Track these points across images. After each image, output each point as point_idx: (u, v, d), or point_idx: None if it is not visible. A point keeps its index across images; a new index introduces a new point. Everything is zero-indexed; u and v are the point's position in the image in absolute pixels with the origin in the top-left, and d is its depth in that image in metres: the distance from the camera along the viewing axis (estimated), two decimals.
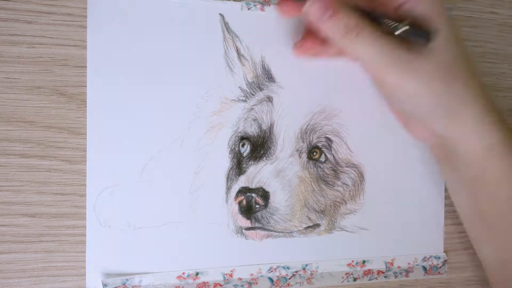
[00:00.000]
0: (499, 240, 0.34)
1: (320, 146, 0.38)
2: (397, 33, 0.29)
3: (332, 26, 0.30)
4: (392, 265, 0.40)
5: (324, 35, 0.32)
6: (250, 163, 0.37)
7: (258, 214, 0.37)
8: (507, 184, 0.31)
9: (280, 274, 0.38)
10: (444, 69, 0.29)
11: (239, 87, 0.37)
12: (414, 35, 0.29)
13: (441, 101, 0.30)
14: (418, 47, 0.29)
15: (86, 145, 0.34)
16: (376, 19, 0.30)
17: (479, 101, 0.31)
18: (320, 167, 0.38)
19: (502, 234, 0.33)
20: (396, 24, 0.29)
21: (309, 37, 0.35)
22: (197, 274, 0.36)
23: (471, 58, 0.30)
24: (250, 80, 0.37)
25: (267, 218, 0.37)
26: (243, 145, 0.37)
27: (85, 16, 0.34)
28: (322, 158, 0.38)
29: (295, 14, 0.33)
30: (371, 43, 0.29)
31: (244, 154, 0.37)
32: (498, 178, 0.31)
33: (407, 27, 0.29)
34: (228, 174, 0.37)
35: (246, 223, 0.37)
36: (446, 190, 0.42)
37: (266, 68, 0.38)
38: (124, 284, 0.34)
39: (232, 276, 0.37)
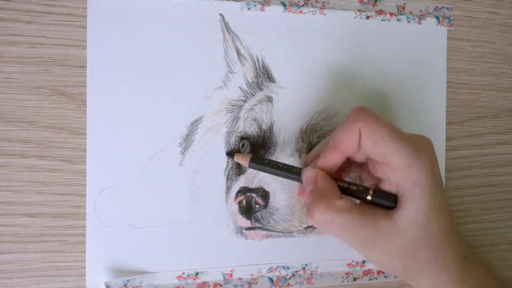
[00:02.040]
0: None
1: None
2: (368, 198, 0.31)
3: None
4: None
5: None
6: None
7: (258, 214, 0.37)
8: None
9: (280, 274, 0.38)
10: (405, 249, 0.30)
11: (239, 87, 0.37)
12: (381, 200, 0.31)
13: (402, 273, 0.32)
14: (384, 220, 0.30)
15: (86, 145, 0.34)
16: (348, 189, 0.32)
17: (444, 270, 0.31)
18: None
19: None
20: (364, 190, 0.31)
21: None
22: (197, 274, 0.36)
23: (445, 224, 0.31)
24: (250, 80, 0.37)
25: (267, 218, 0.37)
26: (243, 145, 0.37)
27: (85, 16, 0.34)
28: None
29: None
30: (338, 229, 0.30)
31: None
32: None
33: (371, 193, 0.31)
34: (228, 174, 0.37)
35: (246, 223, 0.37)
36: (446, 189, 0.42)
37: (266, 68, 0.38)
38: (125, 285, 0.34)
39: (232, 276, 0.37)
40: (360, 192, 0.31)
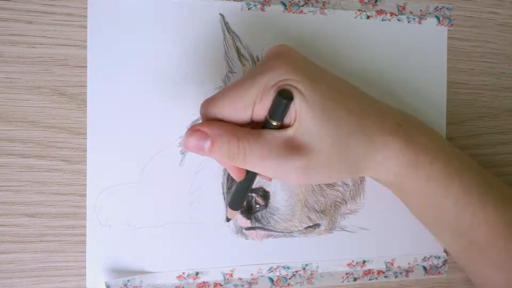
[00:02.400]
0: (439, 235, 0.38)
1: None
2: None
3: (217, 156, 0.29)
4: (392, 265, 0.40)
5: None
6: None
7: (258, 214, 0.37)
8: (419, 196, 0.34)
9: (280, 274, 0.38)
10: (324, 161, 0.29)
11: None
12: (278, 106, 0.28)
13: (336, 177, 0.32)
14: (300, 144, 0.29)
15: (86, 145, 0.34)
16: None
17: (375, 158, 0.31)
18: None
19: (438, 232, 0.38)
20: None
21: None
22: (197, 274, 0.36)
23: (354, 107, 0.30)
24: None
25: (267, 218, 0.37)
26: None
27: (85, 16, 0.34)
28: None
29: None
30: (261, 159, 0.29)
31: None
32: (412, 192, 0.34)
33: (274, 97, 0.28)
34: (228, 174, 0.37)
35: (246, 223, 0.37)
36: None
37: None
38: (125, 285, 0.34)
39: (232, 276, 0.37)
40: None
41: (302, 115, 0.28)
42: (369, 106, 0.32)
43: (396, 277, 0.40)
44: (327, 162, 0.30)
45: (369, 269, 0.40)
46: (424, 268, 0.41)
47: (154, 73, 0.35)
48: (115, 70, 0.35)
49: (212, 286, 0.37)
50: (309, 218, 0.38)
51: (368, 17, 0.39)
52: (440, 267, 0.41)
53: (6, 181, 0.34)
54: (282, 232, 0.38)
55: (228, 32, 0.37)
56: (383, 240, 0.40)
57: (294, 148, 0.29)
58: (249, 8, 0.37)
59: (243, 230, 0.37)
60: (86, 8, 0.34)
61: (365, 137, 0.30)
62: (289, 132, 0.29)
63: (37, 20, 0.34)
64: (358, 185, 0.39)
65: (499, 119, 0.44)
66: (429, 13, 0.41)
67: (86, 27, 0.34)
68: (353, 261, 0.39)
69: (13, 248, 0.34)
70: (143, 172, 0.35)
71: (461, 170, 0.34)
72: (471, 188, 0.33)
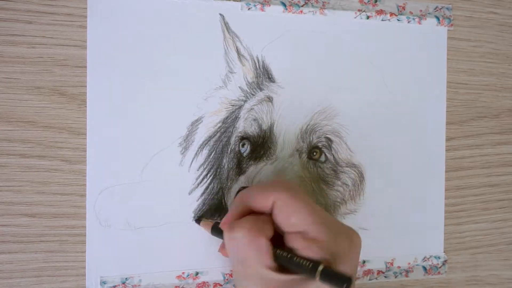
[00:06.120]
0: None
1: (320, 146, 0.38)
2: (317, 278, 0.27)
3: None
4: (392, 265, 0.40)
5: None
6: (250, 163, 0.37)
7: None
8: None
9: None
10: None
11: (239, 87, 0.37)
12: (333, 280, 0.27)
13: None
14: None
15: (86, 145, 0.34)
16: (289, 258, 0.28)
17: None
18: (320, 167, 0.38)
19: None
20: (313, 264, 0.27)
21: None
22: (197, 274, 0.36)
23: None
24: (250, 80, 0.37)
25: None
26: (243, 145, 0.37)
27: (85, 16, 0.34)
28: (322, 158, 0.38)
29: None
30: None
31: (244, 154, 0.37)
32: None
33: (322, 268, 0.27)
34: (228, 174, 0.37)
35: None
36: (446, 190, 0.42)
37: (266, 68, 0.38)
38: (123, 283, 0.34)
39: (232, 276, 0.37)
40: (305, 267, 0.27)
41: None
42: None
43: (396, 277, 0.40)
44: None
45: (369, 269, 0.40)
46: (424, 268, 0.41)
47: (154, 73, 0.35)
48: (115, 70, 0.35)
49: (212, 286, 0.37)
50: None
51: (368, 17, 0.39)
52: (440, 267, 0.42)
53: (6, 181, 0.34)
54: None
55: (228, 32, 0.37)
56: (382, 240, 0.40)
57: None
58: (249, 8, 0.37)
59: None
60: (86, 8, 0.34)
61: None
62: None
63: (37, 20, 0.34)
64: (358, 185, 0.39)
65: (499, 119, 0.44)
66: (429, 13, 0.41)
67: (86, 27, 0.34)
68: None
69: (13, 248, 0.34)
70: (143, 172, 0.35)
71: None
72: None
